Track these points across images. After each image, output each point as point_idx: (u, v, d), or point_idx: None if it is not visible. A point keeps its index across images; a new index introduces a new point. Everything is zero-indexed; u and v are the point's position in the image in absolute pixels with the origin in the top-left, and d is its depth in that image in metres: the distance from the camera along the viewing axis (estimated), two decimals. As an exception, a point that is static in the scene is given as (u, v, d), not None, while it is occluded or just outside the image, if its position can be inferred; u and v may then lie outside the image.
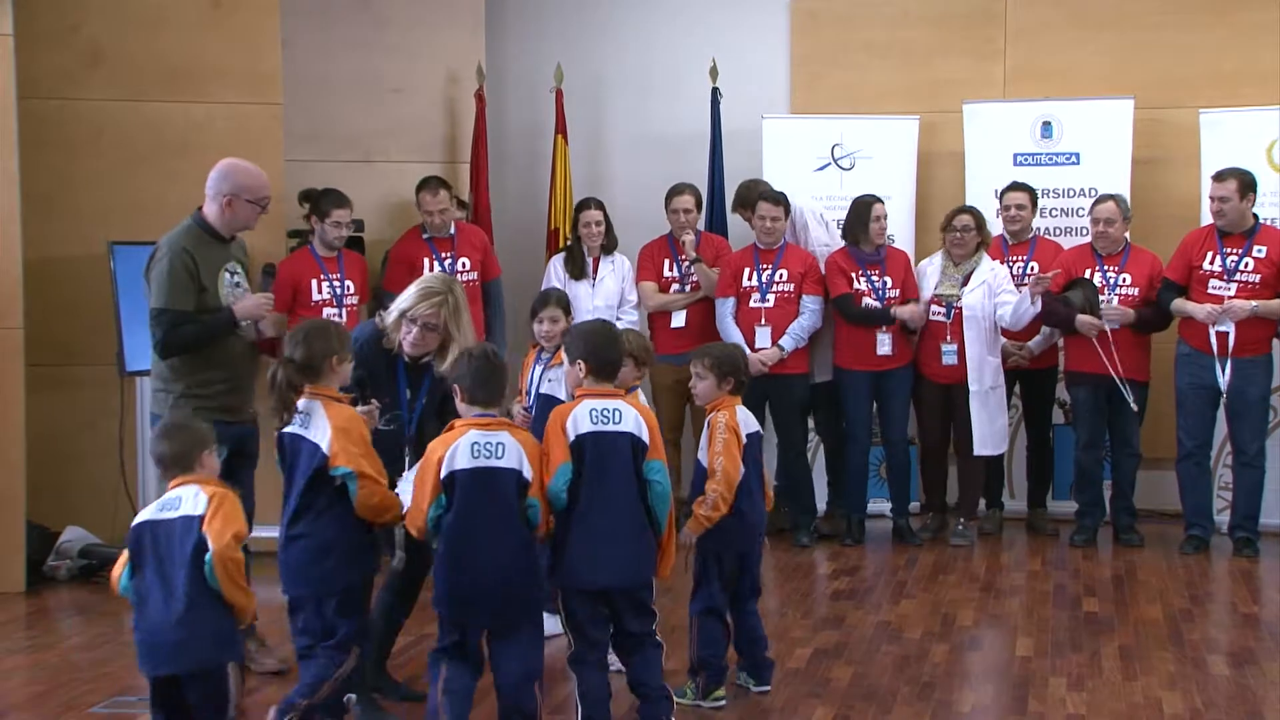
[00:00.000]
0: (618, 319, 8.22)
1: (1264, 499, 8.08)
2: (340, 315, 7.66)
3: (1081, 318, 8.02)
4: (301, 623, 4.86)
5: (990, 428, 8.21)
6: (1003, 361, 8.35)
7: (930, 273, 8.34)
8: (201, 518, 4.40)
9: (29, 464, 7.34)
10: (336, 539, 4.78)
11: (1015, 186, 8.52)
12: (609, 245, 8.59)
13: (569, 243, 8.75)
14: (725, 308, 8.31)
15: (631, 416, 4.92)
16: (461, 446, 4.68)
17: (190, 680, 4.43)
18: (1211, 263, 7.91)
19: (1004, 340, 8.35)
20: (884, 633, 6.46)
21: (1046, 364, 8.45)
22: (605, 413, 4.89)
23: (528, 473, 4.74)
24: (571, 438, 4.84)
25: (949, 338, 8.22)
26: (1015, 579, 7.57)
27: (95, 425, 7.89)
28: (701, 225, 8.87)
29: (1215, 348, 7.84)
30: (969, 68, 9.37)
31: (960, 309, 8.19)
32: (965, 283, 8.23)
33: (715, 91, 9.41)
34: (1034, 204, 8.52)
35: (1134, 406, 8.07)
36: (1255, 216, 7.94)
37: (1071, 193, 8.80)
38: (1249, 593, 7.26)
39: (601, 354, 5.02)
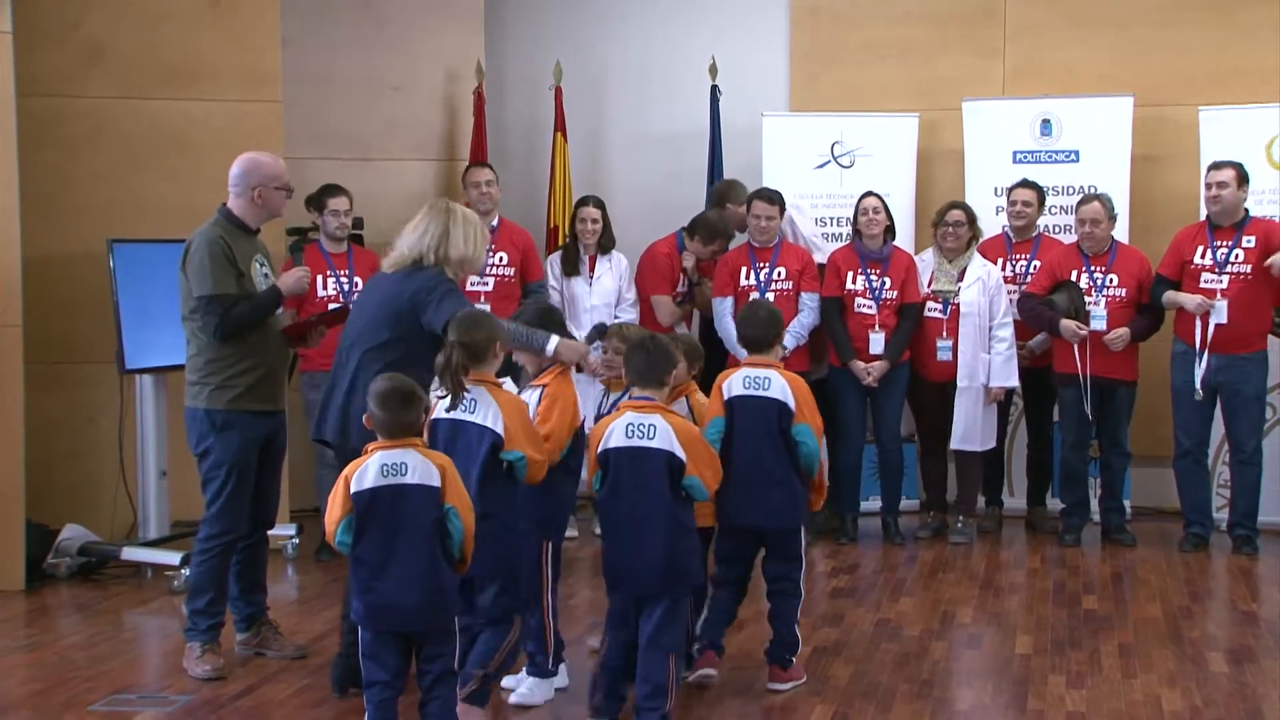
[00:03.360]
0: (615, 317, 8.20)
1: (1263, 496, 8.08)
2: None
3: (1065, 323, 8.02)
4: (489, 599, 5.14)
5: (976, 424, 8.23)
6: (1003, 360, 8.41)
7: (923, 269, 8.36)
8: (439, 490, 4.64)
9: (28, 462, 7.32)
10: (515, 517, 5.13)
11: (1024, 184, 8.52)
12: (606, 244, 8.53)
13: (566, 240, 8.72)
14: (723, 307, 8.28)
15: (780, 385, 5.55)
16: (617, 427, 5.09)
17: (428, 636, 4.68)
18: (1203, 256, 7.93)
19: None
20: (883, 630, 6.46)
21: (1048, 362, 8.40)
22: (758, 380, 5.56)
23: (680, 454, 5.06)
24: (726, 398, 5.56)
25: (945, 334, 8.25)
26: (1014, 577, 7.57)
27: (95, 423, 7.90)
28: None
29: (1199, 341, 7.86)
30: (969, 65, 9.37)
31: (957, 305, 8.22)
32: (960, 278, 8.26)
33: (715, 89, 9.41)
34: (1041, 203, 8.53)
35: (1088, 413, 8.08)
36: (1246, 210, 7.96)
37: (1071, 190, 8.77)
38: (1248, 590, 7.26)
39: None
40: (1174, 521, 8.40)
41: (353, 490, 4.63)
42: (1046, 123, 8.89)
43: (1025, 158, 8.89)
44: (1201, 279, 7.89)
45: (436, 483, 4.65)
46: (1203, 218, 8.09)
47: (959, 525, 8.41)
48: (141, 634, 6.78)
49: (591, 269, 8.52)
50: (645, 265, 8.56)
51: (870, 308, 8.21)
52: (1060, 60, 9.26)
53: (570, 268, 8.51)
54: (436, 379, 5.02)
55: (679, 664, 5.15)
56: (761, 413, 5.53)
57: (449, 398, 4.96)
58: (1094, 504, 8.47)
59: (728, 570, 5.74)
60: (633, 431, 5.06)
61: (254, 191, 5.96)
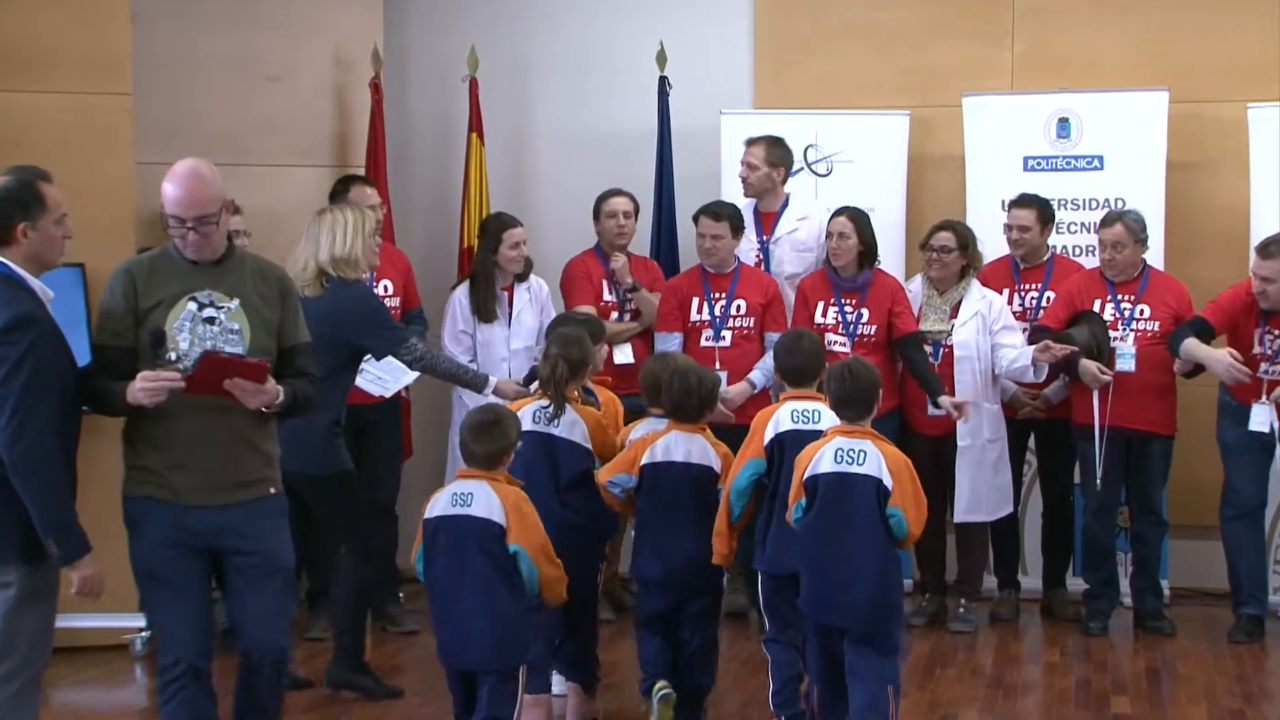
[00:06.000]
0: (536, 359, 7.78)
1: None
2: None
3: (1085, 364, 7.87)
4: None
5: (985, 489, 8.16)
6: (1015, 412, 8.29)
7: (910, 302, 8.24)
8: (502, 527, 5.29)
9: None
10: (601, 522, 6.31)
11: (1021, 201, 8.40)
12: (524, 270, 8.35)
13: (473, 270, 8.44)
14: (669, 344, 8.12)
15: (830, 418, 5.98)
16: (826, 452, 5.65)
17: (486, 676, 5.36)
18: (1260, 343, 7.82)
19: (1015, 387, 8.27)
20: (872, 742, 6.31)
21: (1066, 414, 8.25)
22: (807, 413, 6.10)
23: (888, 481, 5.56)
24: (769, 437, 6.08)
25: (939, 384, 8.15)
26: (1029, 673, 7.54)
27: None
28: (647, 241, 8.92)
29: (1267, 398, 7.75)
30: (970, 53, 9.28)
31: (950, 347, 8.07)
32: (954, 314, 8.13)
33: (664, 81, 9.29)
34: (1044, 222, 8.39)
35: (1098, 471, 7.94)
36: None
37: (1094, 204, 8.69)
38: (1314, 689, 7.14)
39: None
40: (1221, 606, 8.29)
41: (425, 516, 5.31)
42: (1064, 122, 8.79)
43: (1039, 164, 8.80)
44: (1259, 369, 7.77)
45: (500, 519, 5.25)
46: (1255, 243, 7.90)
47: (961, 610, 8.30)
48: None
49: (510, 302, 8.31)
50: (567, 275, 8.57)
51: (843, 344, 8.04)
52: (1080, 47, 9.17)
53: (486, 314, 8.23)
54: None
55: (897, 697, 5.67)
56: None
57: (551, 408, 6.05)
58: (1124, 584, 8.40)
59: (787, 618, 6.12)
60: (842, 457, 5.58)
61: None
